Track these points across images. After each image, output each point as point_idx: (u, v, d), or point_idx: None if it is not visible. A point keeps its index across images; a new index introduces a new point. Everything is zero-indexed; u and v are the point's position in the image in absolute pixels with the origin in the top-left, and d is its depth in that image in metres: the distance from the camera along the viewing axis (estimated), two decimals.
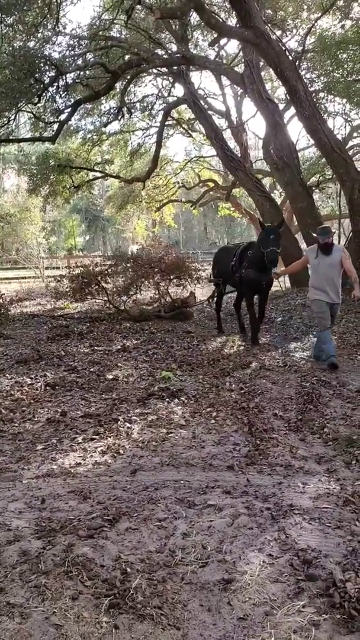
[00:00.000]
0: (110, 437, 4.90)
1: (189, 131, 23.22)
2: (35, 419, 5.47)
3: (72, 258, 28.77)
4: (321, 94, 16.73)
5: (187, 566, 2.87)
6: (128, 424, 5.18)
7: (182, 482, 3.91)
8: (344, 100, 16.64)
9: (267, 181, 22.65)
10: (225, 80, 19.76)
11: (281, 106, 16.44)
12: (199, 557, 2.94)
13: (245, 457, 4.37)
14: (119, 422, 5.22)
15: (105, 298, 12.56)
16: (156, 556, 2.97)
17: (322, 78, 16.33)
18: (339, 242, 14.02)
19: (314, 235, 7.72)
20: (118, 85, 16.76)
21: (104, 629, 2.43)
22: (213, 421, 5.25)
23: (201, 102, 17.19)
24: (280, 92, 20.45)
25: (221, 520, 3.31)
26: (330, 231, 7.83)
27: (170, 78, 19.17)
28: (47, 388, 6.55)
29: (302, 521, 3.30)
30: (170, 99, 19.96)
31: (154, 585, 2.71)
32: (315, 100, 13.63)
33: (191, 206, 28.25)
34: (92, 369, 7.44)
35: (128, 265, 12.32)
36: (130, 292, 12.56)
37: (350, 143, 20.02)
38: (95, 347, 8.99)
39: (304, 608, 2.54)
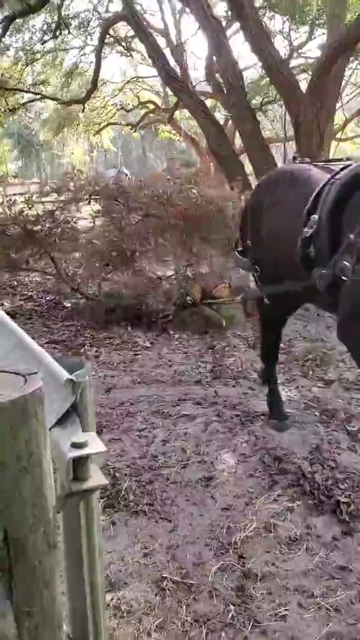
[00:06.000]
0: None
1: (129, 50, 22.20)
2: None
3: (9, 186, 27.65)
4: (261, 11, 16.22)
5: (170, 468, 3.14)
6: (95, 348, 5.34)
7: (155, 396, 4.14)
8: (285, 17, 16.24)
9: (209, 103, 22.17)
10: None
11: (223, 22, 15.92)
12: (179, 460, 3.21)
13: (210, 372, 4.65)
14: (85, 347, 5.38)
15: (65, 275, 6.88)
16: (140, 461, 3.23)
17: None
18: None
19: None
20: None
21: (102, 525, 2.68)
22: (177, 342, 5.48)
23: (140, 18, 16.40)
24: (220, 8, 19.75)
25: (195, 427, 3.59)
26: None
27: None
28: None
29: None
30: (107, 16, 18.91)
31: (143, 486, 2.97)
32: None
33: (131, 129, 27.45)
34: (48, 297, 7.45)
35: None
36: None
37: (291, 64, 19.69)
38: (49, 277, 8.90)
39: (278, 497, 2.87)
